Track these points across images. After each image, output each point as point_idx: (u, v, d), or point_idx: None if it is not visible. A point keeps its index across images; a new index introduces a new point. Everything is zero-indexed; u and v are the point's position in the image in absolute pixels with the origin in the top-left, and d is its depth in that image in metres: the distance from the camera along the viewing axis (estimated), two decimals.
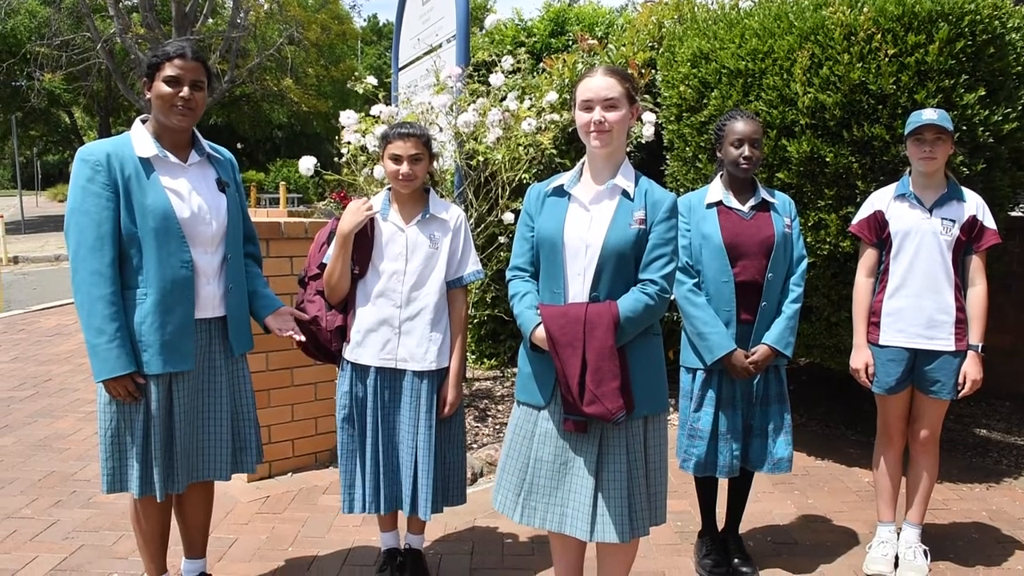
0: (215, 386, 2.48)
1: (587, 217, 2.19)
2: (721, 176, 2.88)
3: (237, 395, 2.55)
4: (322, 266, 2.65)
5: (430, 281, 2.59)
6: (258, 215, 4.54)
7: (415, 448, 2.58)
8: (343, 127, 4.32)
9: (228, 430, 2.50)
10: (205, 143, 2.48)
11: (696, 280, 2.81)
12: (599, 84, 2.14)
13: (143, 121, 2.39)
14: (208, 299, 2.43)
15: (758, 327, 2.75)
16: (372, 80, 4.59)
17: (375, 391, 2.59)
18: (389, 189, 2.68)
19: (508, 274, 2.35)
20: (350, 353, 2.62)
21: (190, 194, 2.36)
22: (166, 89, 2.29)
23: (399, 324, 2.57)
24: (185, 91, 2.30)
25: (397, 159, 2.54)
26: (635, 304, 2.10)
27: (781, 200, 2.86)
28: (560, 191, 2.26)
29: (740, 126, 2.76)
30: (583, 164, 2.28)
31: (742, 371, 2.72)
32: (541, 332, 2.15)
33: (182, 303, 2.34)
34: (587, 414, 2.09)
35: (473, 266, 2.69)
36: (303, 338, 2.63)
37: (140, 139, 2.33)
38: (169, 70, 2.29)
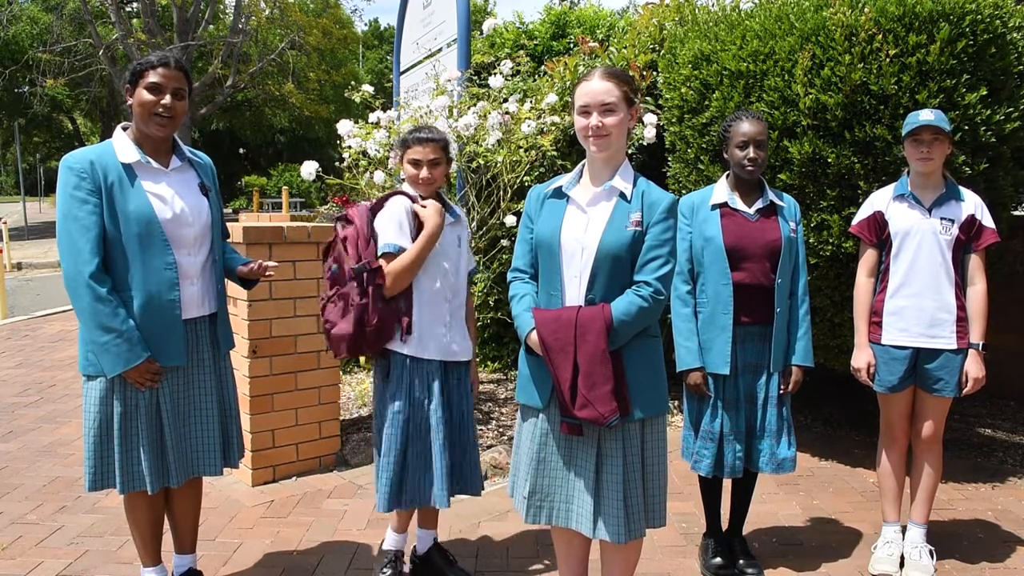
0: (204, 384, 2.55)
1: (584, 219, 2.18)
2: (727, 177, 2.88)
3: (224, 392, 2.62)
4: (388, 255, 2.56)
5: (461, 276, 2.76)
6: (260, 219, 4.55)
7: (463, 430, 2.70)
8: (342, 136, 4.35)
9: (217, 426, 2.57)
10: (185, 148, 2.54)
11: (690, 287, 2.83)
12: (596, 88, 2.13)
13: (124, 128, 2.46)
14: (193, 299, 2.49)
15: (776, 333, 2.77)
16: (368, 88, 4.62)
17: (433, 384, 2.63)
18: (398, 193, 2.71)
19: (509, 276, 2.35)
20: (412, 348, 2.61)
21: (172, 198, 2.43)
22: (148, 96, 2.36)
23: (449, 318, 2.69)
24: (167, 99, 2.36)
25: (417, 164, 2.64)
26: (628, 307, 2.09)
27: (788, 204, 2.86)
28: (559, 193, 2.26)
29: (745, 127, 2.75)
30: (583, 166, 2.28)
31: (694, 389, 2.79)
32: (535, 336, 2.16)
33: (168, 304, 2.40)
34: (580, 418, 2.10)
35: (473, 261, 2.90)
36: (275, 267, 2.65)
37: (122, 146, 2.39)
38: (152, 77, 2.36)
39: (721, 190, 2.84)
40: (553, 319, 2.13)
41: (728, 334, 2.74)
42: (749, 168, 2.75)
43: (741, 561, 2.94)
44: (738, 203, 2.81)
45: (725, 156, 2.84)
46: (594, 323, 2.08)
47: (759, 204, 2.80)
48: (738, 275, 2.74)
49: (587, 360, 2.07)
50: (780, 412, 2.79)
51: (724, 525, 3.08)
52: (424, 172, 2.62)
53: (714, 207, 2.82)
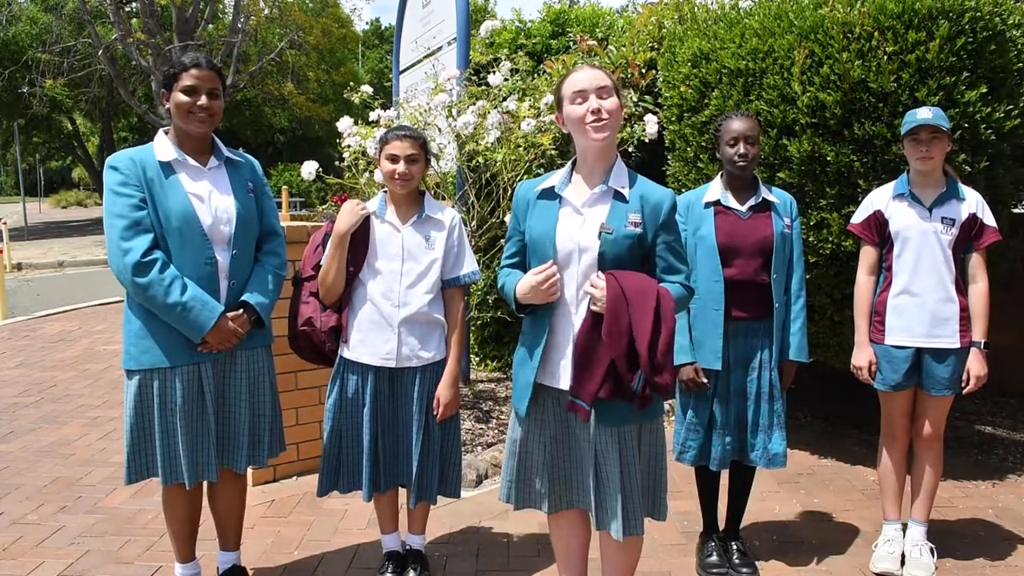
0: (233, 378, 2.58)
1: (579, 220, 2.13)
2: (721, 176, 2.89)
3: (255, 388, 2.62)
4: (317, 267, 2.68)
5: (426, 280, 2.64)
6: None
7: (414, 440, 2.64)
8: (341, 134, 4.35)
9: (246, 422, 2.59)
10: (225, 149, 2.58)
11: None
12: (590, 74, 2.09)
13: (165, 132, 2.52)
14: (231, 295, 2.53)
15: (776, 329, 2.80)
16: (368, 89, 4.62)
17: (374, 389, 2.63)
18: (385, 191, 2.72)
19: (499, 271, 2.34)
20: (350, 352, 2.65)
21: (210, 195, 2.48)
22: (183, 98, 2.41)
23: (397, 323, 2.61)
24: (203, 99, 2.42)
25: (394, 159, 2.60)
26: (672, 290, 2.08)
27: (783, 199, 2.86)
28: (550, 193, 2.20)
29: (735, 125, 2.78)
30: (572, 164, 2.22)
31: (688, 383, 2.80)
32: (523, 286, 2.09)
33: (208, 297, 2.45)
34: (657, 383, 2.01)
35: (469, 267, 2.73)
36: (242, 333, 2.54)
37: (161, 146, 2.47)
38: (186, 80, 2.41)
39: (715, 188, 2.86)
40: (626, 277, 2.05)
41: (719, 329, 2.76)
42: (740, 164, 2.76)
43: (736, 560, 2.94)
44: (731, 201, 2.82)
45: (718, 156, 2.87)
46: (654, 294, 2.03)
47: (752, 201, 2.81)
48: (729, 271, 2.77)
49: (667, 328, 2.01)
50: (772, 407, 2.81)
51: (722, 524, 3.09)
52: (401, 167, 2.57)
53: (707, 205, 2.83)
